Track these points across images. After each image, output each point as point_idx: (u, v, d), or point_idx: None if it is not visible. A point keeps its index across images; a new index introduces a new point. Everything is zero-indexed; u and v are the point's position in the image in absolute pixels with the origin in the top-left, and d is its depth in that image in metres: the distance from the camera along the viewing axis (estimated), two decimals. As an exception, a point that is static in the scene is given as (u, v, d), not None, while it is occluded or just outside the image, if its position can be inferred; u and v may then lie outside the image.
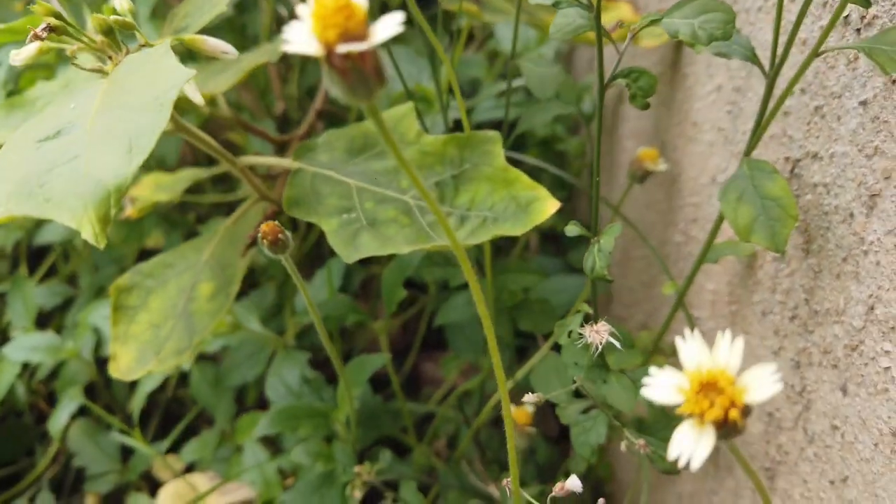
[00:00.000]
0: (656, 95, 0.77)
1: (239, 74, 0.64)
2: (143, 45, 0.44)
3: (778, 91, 0.47)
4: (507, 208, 0.53)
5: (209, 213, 1.11)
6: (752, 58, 0.42)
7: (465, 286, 0.79)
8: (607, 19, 0.73)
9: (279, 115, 1.13)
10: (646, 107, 0.41)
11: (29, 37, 0.40)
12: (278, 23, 1.10)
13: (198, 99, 0.43)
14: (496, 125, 1.14)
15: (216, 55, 0.46)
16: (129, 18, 0.44)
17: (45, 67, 0.95)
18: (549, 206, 0.51)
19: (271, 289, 1.00)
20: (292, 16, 0.99)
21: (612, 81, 0.41)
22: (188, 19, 0.49)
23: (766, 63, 0.48)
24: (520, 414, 0.62)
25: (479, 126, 1.13)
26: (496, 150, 0.54)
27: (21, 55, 0.43)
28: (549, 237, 1.13)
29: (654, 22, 0.38)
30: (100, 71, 0.42)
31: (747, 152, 0.45)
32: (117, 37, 0.42)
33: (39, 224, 1.06)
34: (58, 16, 0.42)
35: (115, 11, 0.43)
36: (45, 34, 0.39)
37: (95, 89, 0.38)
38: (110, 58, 0.42)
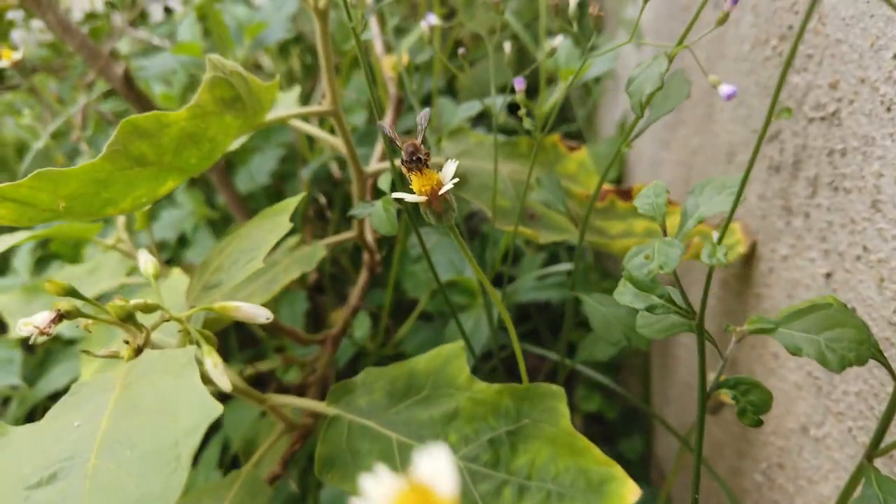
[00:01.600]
0: (723, 304, 0.71)
1: (272, 292, 0.59)
2: (168, 320, 0.39)
3: None
4: (576, 484, 0.45)
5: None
6: (879, 356, 0.35)
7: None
8: (667, 226, 0.68)
9: (311, 284, 1.09)
10: (758, 424, 0.34)
11: (36, 332, 0.35)
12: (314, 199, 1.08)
13: (225, 385, 0.37)
14: (540, 307, 1.08)
15: (251, 322, 0.41)
16: (152, 284, 0.39)
17: (71, 246, 0.92)
18: (627, 492, 0.43)
19: (294, 475, 0.93)
20: (328, 204, 0.95)
21: (715, 391, 0.35)
22: (221, 274, 0.44)
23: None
24: None
25: (521, 308, 1.07)
26: (560, 407, 0.48)
27: (28, 329, 0.38)
28: (596, 419, 1.04)
29: (765, 330, 0.32)
30: (115, 356, 0.37)
31: (870, 455, 0.38)
32: (137, 320, 0.37)
33: (55, 398, 1.01)
34: (72, 292, 0.37)
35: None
36: (51, 328, 0.34)
37: (104, 401, 0.32)
38: (127, 342, 0.37)
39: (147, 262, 0.41)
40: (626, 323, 0.49)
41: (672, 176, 0.87)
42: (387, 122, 0.88)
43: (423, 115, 0.39)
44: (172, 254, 1.08)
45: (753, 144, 0.63)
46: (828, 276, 0.50)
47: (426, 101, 1.10)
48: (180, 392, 0.30)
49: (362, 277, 0.76)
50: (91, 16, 1.31)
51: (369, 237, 0.73)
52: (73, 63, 1.19)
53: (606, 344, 0.58)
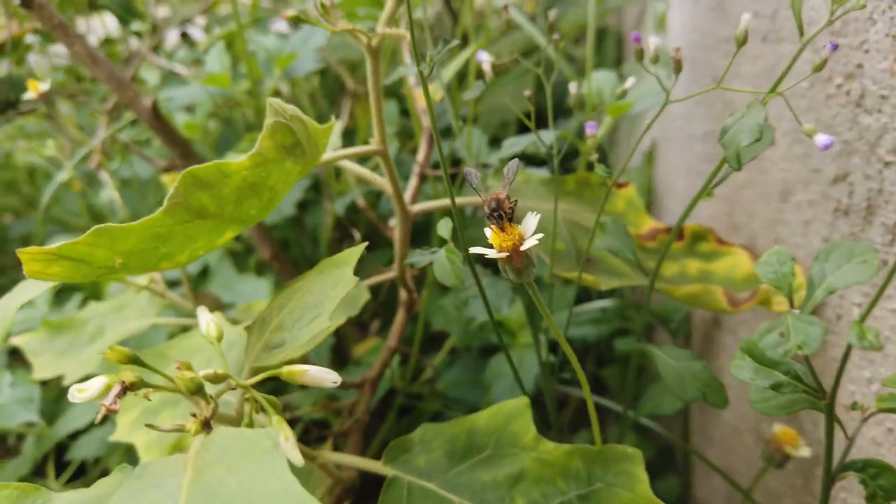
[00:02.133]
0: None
1: (317, 339, 0.56)
2: (234, 388, 0.36)
3: None
4: (657, 558, 0.42)
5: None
6: None
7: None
8: (722, 268, 0.65)
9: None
10: (887, 511, 0.32)
11: (102, 410, 0.32)
12: (339, 226, 1.05)
13: (297, 460, 0.34)
14: (576, 342, 1.05)
15: (318, 386, 0.38)
16: (217, 351, 0.37)
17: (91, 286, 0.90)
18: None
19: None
20: (353, 226, 0.93)
21: (842, 473, 0.32)
22: (283, 333, 0.41)
23: None
24: None
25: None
26: (638, 472, 0.45)
27: (81, 397, 0.35)
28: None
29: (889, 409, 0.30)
30: (181, 429, 0.34)
31: None
32: (206, 391, 0.34)
33: (74, 437, 0.97)
34: (135, 359, 0.34)
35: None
36: (117, 404, 0.31)
37: (176, 486, 0.29)
38: (194, 415, 0.34)
39: (209, 322, 0.38)
40: (701, 379, 0.46)
41: (712, 210, 0.84)
42: (421, 154, 0.85)
43: (510, 167, 0.36)
44: (194, 285, 1.05)
45: (814, 183, 0.61)
46: (913, 329, 0.48)
47: (450, 130, 1.07)
48: (268, 484, 0.27)
49: (399, 317, 0.73)
50: (107, 41, 1.29)
51: (408, 276, 0.71)
52: (94, 89, 1.16)
53: (673, 397, 0.55)
